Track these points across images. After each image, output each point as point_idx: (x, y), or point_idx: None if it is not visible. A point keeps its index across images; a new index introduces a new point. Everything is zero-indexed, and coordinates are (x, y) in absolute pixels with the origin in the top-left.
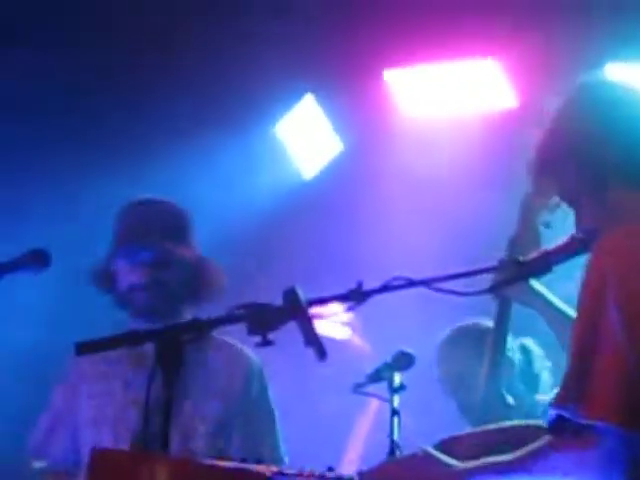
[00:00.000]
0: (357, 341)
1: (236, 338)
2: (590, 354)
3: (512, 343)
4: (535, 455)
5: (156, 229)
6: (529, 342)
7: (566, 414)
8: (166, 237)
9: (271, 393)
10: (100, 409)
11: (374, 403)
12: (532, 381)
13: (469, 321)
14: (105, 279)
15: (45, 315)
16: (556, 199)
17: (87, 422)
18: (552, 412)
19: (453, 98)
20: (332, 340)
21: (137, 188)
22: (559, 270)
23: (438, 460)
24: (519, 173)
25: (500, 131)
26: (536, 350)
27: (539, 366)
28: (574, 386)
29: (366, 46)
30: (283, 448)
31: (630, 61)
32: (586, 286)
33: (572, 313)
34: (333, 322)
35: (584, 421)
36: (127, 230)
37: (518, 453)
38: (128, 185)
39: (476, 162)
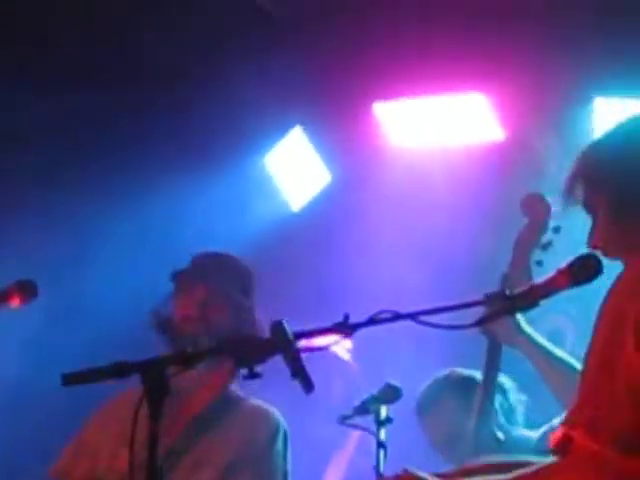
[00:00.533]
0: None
1: None
2: (604, 385)
3: None
4: (536, 473)
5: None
6: (503, 378)
7: (574, 434)
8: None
9: (287, 454)
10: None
11: (356, 433)
12: (509, 414)
13: (436, 379)
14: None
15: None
16: (549, 237)
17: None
18: (561, 430)
19: (442, 131)
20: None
21: (133, 222)
22: (546, 304)
23: (424, 477)
24: (506, 206)
25: (488, 163)
26: (509, 383)
27: (514, 399)
28: (586, 409)
29: (356, 79)
30: None
31: (618, 96)
32: (606, 319)
33: (558, 353)
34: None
35: (593, 446)
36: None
37: (518, 472)
38: (125, 220)
39: (464, 194)
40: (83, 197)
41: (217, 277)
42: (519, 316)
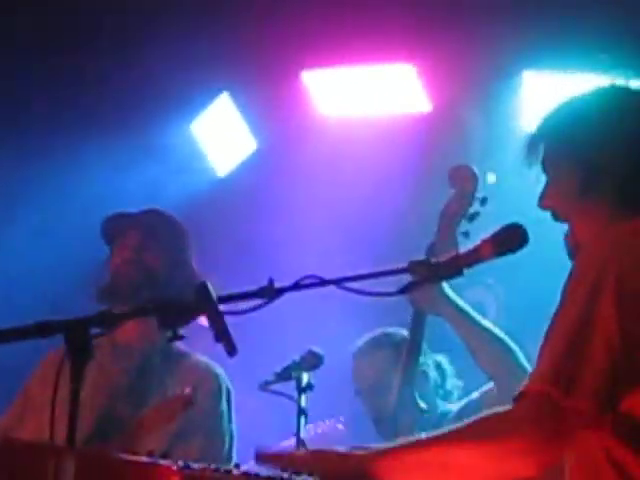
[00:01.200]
0: None
1: None
2: (582, 342)
3: (428, 359)
4: (483, 421)
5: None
6: (443, 360)
7: (555, 392)
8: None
9: (231, 412)
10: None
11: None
12: (444, 397)
13: (381, 331)
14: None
15: None
16: (475, 208)
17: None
18: (529, 385)
19: (369, 100)
20: None
21: (57, 191)
22: (467, 276)
23: (348, 449)
24: (428, 176)
25: (414, 134)
26: (449, 368)
27: (452, 384)
28: (563, 367)
29: (284, 46)
30: None
31: (547, 70)
32: (583, 274)
33: (483, 322)
34: None
35: (569, 402)
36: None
37: (461, 424)
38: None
39: (390, 164)
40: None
41: (150, 224)
42: (444, 284)
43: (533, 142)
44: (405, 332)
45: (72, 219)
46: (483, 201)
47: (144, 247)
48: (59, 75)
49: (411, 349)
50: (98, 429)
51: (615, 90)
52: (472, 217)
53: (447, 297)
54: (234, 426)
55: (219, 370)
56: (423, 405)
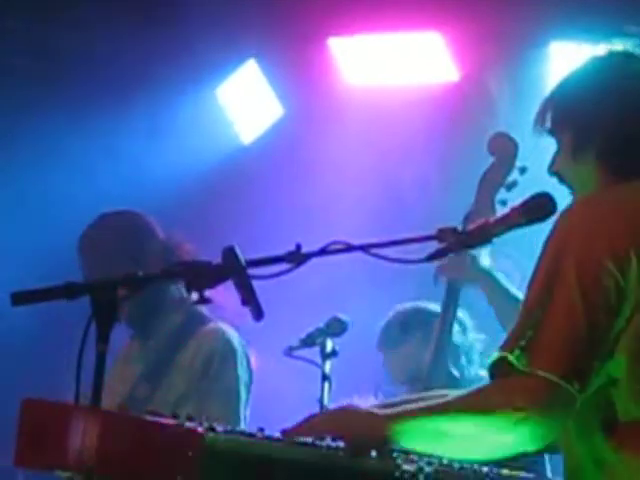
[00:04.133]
0: None
1: None
2: (543, 308)
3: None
4: (463, 397)
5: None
6: (463, 314)
7: (512, 359)
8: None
9: (235, 373)
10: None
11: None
12: (467, 351)
13: (407, 309)
14: None
15: None
16: (514, 177)
17: None
18: (496, 355)
19: (396, 68)
20: None
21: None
22: (493, 248)
23: (366, 409)
24: (455, 146)
25: (441, 103)
26: (469, 322)
27: (472, 337)
28: (523, 334)
29: (311, 13)
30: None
31: (573, 41)
32: (548, 247)
33: (515, 291)
34: None
35: (528, 369)
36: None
37: (460, 393)
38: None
39: (418, 132)
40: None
41: (91, 242)
42: (477, 255)
43: (542, 111)
44: (433, 305)
45: (100, 188)
46: (522, 170)
47: (92, 266)
48: (90, 37)
49: (444, 322)
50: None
51: (613, 56)
52: (511, 186)
53: (482, 267)
54: (245, 390)
55: (230, 336)
56: (456, 373)
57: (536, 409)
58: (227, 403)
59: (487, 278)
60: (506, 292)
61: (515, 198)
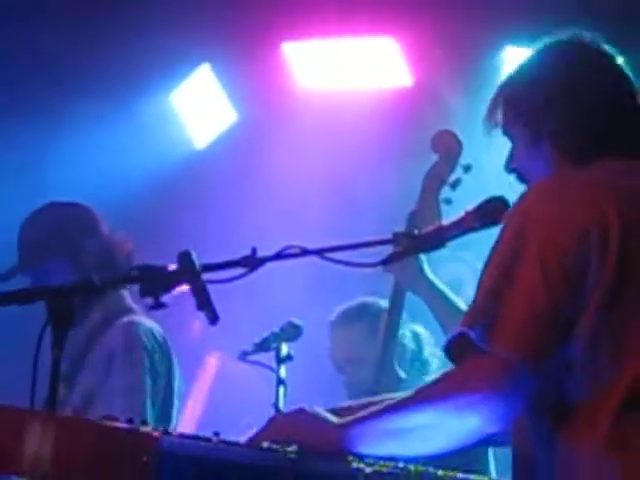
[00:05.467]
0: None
1: None
2: (503, 289)
3: (405, 329)
4: (424, 388)
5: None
6: (420, 329)
7: (472, 335)
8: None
9: (139, 368)
10: None
11: (212, 361)
12: (422, 366)
13: (358, 302)
14: None
15: None
16: (458, 175)
17: None
18: (455, 332)
19: (350, 73)
20: None
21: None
22: (444, 251)
23: (320, 416)
24: (411, 149)
25: (395, 108)
26: (426, 337)
27: (429, 352)
28: (484, 311)
29: (265, 17)
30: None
31: (530, 45)
32: (506, 229)
33: (458, 303)
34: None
35: (488, 347)
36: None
37: (413, 390)
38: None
39: (370, 138)
40: None
41: (21, 243)
42: (423, 263)
43: (491, 107)
44: (383, 302)
45: (44, 189)
46: (467, 168)
47: (23, 252)
48: (42, 43)
49: (391, 320)
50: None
51: (559, 44)
52: (455, 184)
53: (426, 277)
54: (153, 384)
55: (139, 328)
56: (402, 374)
57: (495, 388)
58: (130, 401)
59: (430, 290)
60: (448, 303)
61: (459, 196)
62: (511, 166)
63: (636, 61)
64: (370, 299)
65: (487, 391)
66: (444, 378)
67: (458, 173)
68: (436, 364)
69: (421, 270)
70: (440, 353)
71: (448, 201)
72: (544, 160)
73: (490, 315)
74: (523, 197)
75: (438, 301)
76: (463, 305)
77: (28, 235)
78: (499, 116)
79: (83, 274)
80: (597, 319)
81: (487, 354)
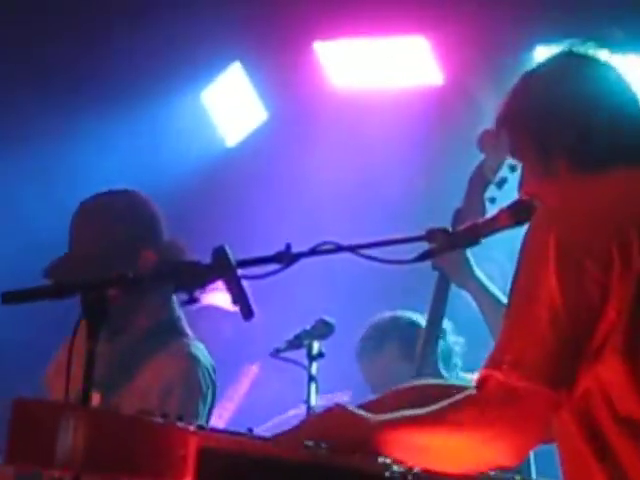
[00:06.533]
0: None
1: None
2: (525, 316)
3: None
4: (452, 408)
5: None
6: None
7: (499, 375)
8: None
9: (196, 405)
10: None
11: (254, 367)
12: (447, 357)
13: (384, 319)
14: None
15: None
16: (504, 174)
17: None
18: (483, 372)
19: (381, 72)
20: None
21: (67, 157)
22: (478, 251)
23: (354, 414)
24: (441, 147)
25: (425, 106)
26: (448, 325)
27: (452, 341)
28: (509, 348)
29: (297, 16)
30: None
31: (561, 45)
32: (524, 255)
33: (500, 298)
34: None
35: (516, 382)
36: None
37: (436, 407)
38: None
39: (400, 136)
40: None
41: (76, 222)
42: (471, 260)
43: (499, 130)
44: (412, 314)
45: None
46: (512, 168)
47: (76, 240)
48: (76, 46)
49: (433, 316)
50: None
51: (568, 57)
52: (500, 183)
53: (474, 274)
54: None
55: (194, 360)
56: (445, 374)
57: (520, 418)
58: (189, 406)
59: (479, 287)
60: (495, 299)
61: (504, 196)
62: (525, 192)
63: None
64: (396, 313)
65: (517, 424)
66: (476, 404)
67: (503, 172)
68: (458, 352)
69: (470, 267)
70: (462, 340)
71: (492, 200)
72: (559, 178)
73: (517, 349)
74: (537, 218)
75: (484, 296)
76: (505, 299)
77: (84, 234)
78: (505, 138)
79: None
80: (629, 332)
81: (508, 388)
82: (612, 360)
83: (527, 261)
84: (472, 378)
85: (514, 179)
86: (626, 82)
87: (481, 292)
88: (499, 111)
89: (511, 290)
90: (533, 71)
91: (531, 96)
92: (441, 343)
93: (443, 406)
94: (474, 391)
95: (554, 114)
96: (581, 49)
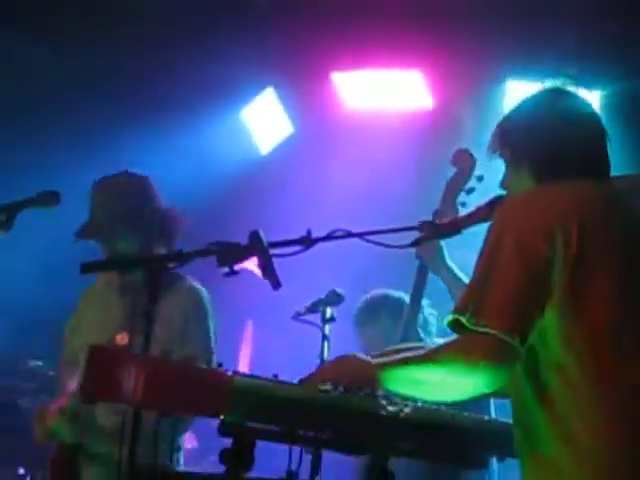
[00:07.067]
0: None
1: None
2: (487, 276)
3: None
4: (433, 351)
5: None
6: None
7: (463, 319)
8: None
9: (207, 322)
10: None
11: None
12: (424, 325)
13: (377, 295)
14: None
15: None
16: (472, 184)
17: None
18: (450, 317)
19: (384, 97)
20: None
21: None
22: (457, 240)
23: (361, 358)
24: (429, 159)
25: (419, 125)
26: (424, 301)
27: (427, 313)
28: (472, 298)
29: (318, 53)
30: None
31: (527, 80)
32: (491, 231)
33: (466, 280)
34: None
35: (479, 328)
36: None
37: (425, 350)
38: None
39: (398, 148)
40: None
41: (101, 188)
42: (444, 250)
43: (492, 138)
44: (400, 294)
45: None
46: (479, 179)
47: (97, 205)
48: (136, 66)
49: (415, 294)
50: None
51: (545, 92)
52: (469, 191)
53: (445, 262)
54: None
55: (202, 292)
56: (422, 335)
57: (489, 361)
58: (206, 346)
59: (449, 273)
60: (461, 283)
61: (472, 201)
62: (504, 185)
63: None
64: (387, 291)
65: (483, 362)
66: (451, 348)
67: (472, 182)
68: (433, 322)
69: (442, 256)
70: (436, 313)
71: (463, 204)
72: (523, 180)
73: (478, 300)
74: (503, 206)
75: (452, 281)
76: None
77: (102, 202)
78: (497, 145)
79: (145, 241)
80: (563, 299)
81: (481, 333)
82: (549, 314)
83: (492, 237)
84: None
85: (481, 188)
86: (583, 113)
87: (451, 278)
88: (496, 128)
89: (478, 257)
90: (520, 102)
91: (513, 121)
92: (420, 315)
93: (430, 349)
94: (451, 338)
95: (526, 135)
96: (552, 87)
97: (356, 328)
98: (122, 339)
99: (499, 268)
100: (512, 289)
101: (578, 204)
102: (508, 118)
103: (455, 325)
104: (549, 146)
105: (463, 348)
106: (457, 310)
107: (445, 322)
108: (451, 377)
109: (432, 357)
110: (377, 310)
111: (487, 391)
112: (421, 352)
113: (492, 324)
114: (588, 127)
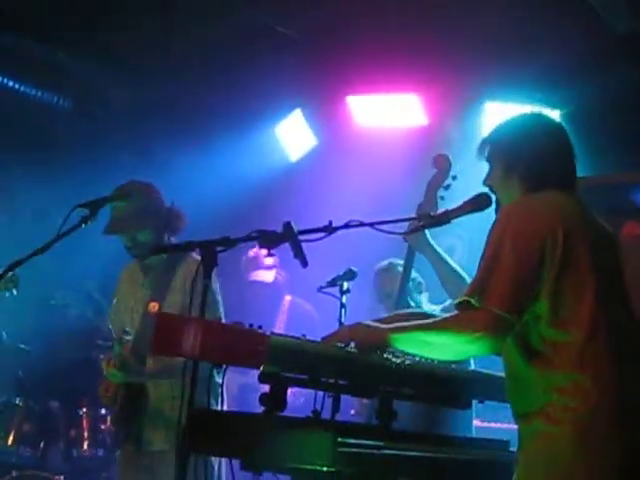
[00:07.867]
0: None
1: None
2: (492, 269)
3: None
4: (441, 320)
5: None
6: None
7: (473, 300)
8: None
9: (214, 289)
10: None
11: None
12: (413, 291)
13: (391, 261)
14: None
15: None
16: (449, 182)
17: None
18: (460, 299)
19: (388, 117)
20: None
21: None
22: (444, 228)
23: (373, 324)
24: (425, 167)
25: (415, 139)
26: (414, 274)
27: (417, 282)
28: (479, 285)
29: (337, 81)
30: None
31: (503, 102)
32: (493, 232)
33: (452, 263)
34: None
35: (482, 305)
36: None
37: (435, 319)
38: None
39: (399, 158)
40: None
41: (118, 195)
42: (428, 235)
43: (482, 145)
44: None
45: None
46: (454, 177)
47: (120, 206)
48: (200, 98)
49: (405, 271)
50: (141, 326)
51: (531, 116)
52: (447, 187)
53: (430, 243)
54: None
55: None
56: (413, 304)
57: (488, 332)
58: (215, 310)
59: (433, 252)
60: (445, 262)
61: (449, 196)
62: (487, 183)
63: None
64: (396, 260)
65: (482, 332)
66: (457, 318)
67: (449, 180)
68: (422, 288)
69: (426, 239)
70: (423, 282)
71: (442, 198)
72: (512, 189)
73: (483, 286)
74: (504, 213)
75: (438, 261)
76: (454, 264)
77: (124, 204)
78: (485, 153)
79: (158, 233)
80: (553, 288)
81: (483, 309)
82: (542, 302)
83: (492, 240)
84: (434, 308)
85: (455, 185)
86: (559, 134)
87: (435, 256)
88: (486, 135)
89: (481, 256)
90: (506, 123)
91: (504, 135)
92: (410, 284)
93: (440, 318)
94: (457, 311)
95: (517, 152)
96: (533, 111)
97: (376, 279)
98: (154, 307)
99: (501, 263)
100: (510, 279)
101: (561, 213)
102: (499, 136)
103: (461, 306)
104: (536, 162)
105: (469, 318)
106: (468, 294)
107: (455, 302)
108: (454, 341)
109: (442, 324)
110: (391, 267)
111: (481, 355)
112: (430, 320)
113: (494, 305)
114: (564, 146)
